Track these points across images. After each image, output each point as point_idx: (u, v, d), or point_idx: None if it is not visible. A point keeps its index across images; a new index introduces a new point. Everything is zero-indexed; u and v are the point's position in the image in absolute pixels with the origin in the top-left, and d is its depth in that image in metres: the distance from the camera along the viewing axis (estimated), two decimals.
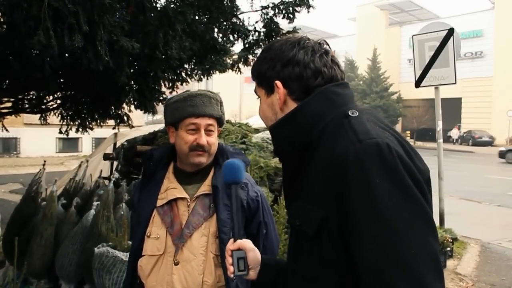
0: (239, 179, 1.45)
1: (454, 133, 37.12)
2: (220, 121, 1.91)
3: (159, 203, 1.85)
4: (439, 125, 6.89)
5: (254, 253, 1.42)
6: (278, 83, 1.23)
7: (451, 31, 6.58)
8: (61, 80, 5.23)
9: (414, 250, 0.94)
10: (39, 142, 20.35)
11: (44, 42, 2.93)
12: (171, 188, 1.86)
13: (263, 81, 1.29)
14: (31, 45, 3.01)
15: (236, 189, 1.42)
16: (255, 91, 1.37)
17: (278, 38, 1.33)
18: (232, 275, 1.36)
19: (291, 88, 1.22)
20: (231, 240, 1.39)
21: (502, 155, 24.38)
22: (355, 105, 1.20)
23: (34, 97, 6.05)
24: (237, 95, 56.85)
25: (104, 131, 7.91)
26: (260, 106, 1.35)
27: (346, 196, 1.00)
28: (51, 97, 6.18)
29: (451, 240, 6.64)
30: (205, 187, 1.86)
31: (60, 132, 6.75)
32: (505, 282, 5.82)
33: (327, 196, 1.05)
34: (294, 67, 1.21)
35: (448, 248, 6.45)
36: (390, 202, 0.96)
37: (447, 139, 35.14)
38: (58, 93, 5.98)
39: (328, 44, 1.29)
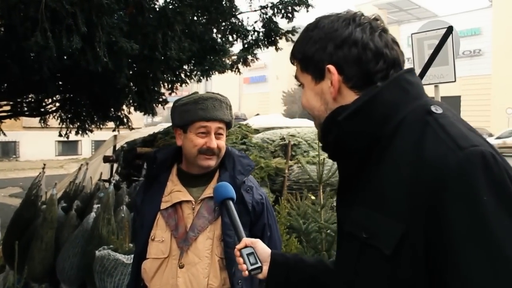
0: (231, 195, 1.55)
1: None
2: (229, 125, 1.90)
3: (163, 206, 1.83)
4: None
5: (260, 245, 1.40)
6: (331, 67, 1.03)
7: (450, 29, 6.52)
8: (60, 82, 5.21)
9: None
10: (39, 146, 20.33)
11: (42, 44, 2.91)
12: (175, 191, 1.85)
13: (310, 65, 1.08)
14: (29, 47, 2.99)
15: (229, 203, 1.53)
16: (296, 77, 1.16)
17: (325, 16, 1.12)
18: (247, 273, 1.33)
19: (346, 74, 1.03)
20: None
21: None
22: (428, 98, 1.03)
23: (33, 100, 6.04)
24: (236, 95, 56.87)
25: (104, 134, 7.89)
26: (304, 94, 1.14)
27: (443, 212, 0.85)
28: (50, 100, 6.16)
29: None
30: (210, 189, 1.83)
31: (60, 135, 6.73)
32: None
33: (412, 208, 0.89)
34: (351, 48, 1.02)
35: None
36: (499, 222, 0.81)
37: None
38: (57, 96, 5.96)
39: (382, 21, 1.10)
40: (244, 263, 1.33)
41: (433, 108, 0.96)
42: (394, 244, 0.90)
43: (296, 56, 1.14)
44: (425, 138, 0.91)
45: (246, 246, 1.37)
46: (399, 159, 0.94)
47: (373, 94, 1.00)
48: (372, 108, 1.00)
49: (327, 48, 1.04)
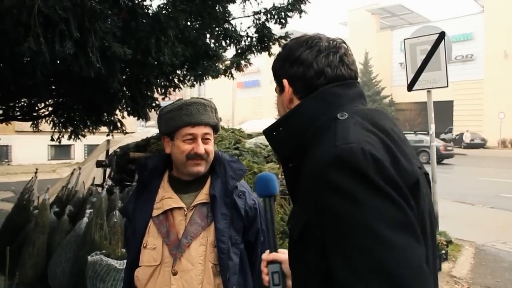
0: (273, 192, 1.43)
1: (467, 137, 36.32)
2: (216, 128, 1.89)
3: (155, 213, 1.82)
4: (432, 129, 6.91)
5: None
6: (285, 81, 1.25)
7: (442, 35, 6.62)
8: (53, 87, 5.20)
9: (387, 260, 0.88)
10: (31, 150, 20.18)
11: (35, 49, 2.90)
12: (166, 197, 1.84)
13: (276, 78, 1.32)
14: (22, 52, 2.98)
15: (270, 202, 1.42)
16: (275, 88, 1.37)
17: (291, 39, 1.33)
18: (267, 285, 1.33)
19: (295, 87, 1.24)
20: (267, 251, 1.38)
21: None
22: (353, 106, 1.17)
23: (25, 104, 6.01)
24: (229, 100, 56.88)
25: (97, 138, 7.87)
26: (277, 101, 1.36)
27: (319, 201, 0.99)
28: (42, 104, 6.14)
29: (445, 243, 6.65)
30: (202, 196, 1.84)
31: (52, 139, 6.71)
32: (500, 284, 5.82)
33: (308, 200, 1.04)
34: (299, 67, 1.22)
35: (443, 251, 6.45)
36: (357, 209, 0.92)
37: (458, 143, 35.03)
38: (50, 100, 5.95)
39: (343, 42, 1.27)
40: (268, 275, 1.34)
41: (339, 115, 1.11)
42: (298, 232, 1.07)
43: (272, 71, 1.35)
44: (323, 141, 1.07)
45: (274, 261, 1.35)
46: (309, 161, 1.09)
47: (295, 107, 1.21)
48: (292, 119, 1.20)
49: (284, 66, 1.26)
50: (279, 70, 1.29)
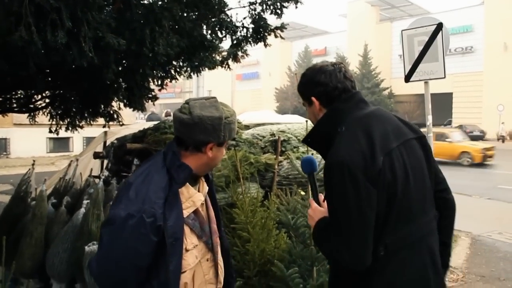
0: (316, 169, 2.12)
1: (503, 130, 35.13)
2: None
3: (185, 213, 1.78)
4: (429, 120, 6.91)
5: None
6: (313, 98, 1.96)
7: (439, 26, 6.60)
8: (49, 78, 5.19)
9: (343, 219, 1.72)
10: (29, 142, 20.15)
11: (26, 38, 2.90)
12: (193, 194, 1.83)
13: (304, 97, 2.03)
14: (13, 42, 2.97)
15: (313, 175, 2.10)
16: (303, 103, 2.09)
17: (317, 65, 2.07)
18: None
19: (321, 101, 1.94)
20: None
21: None
22: (353, 116, 1.84)
23: (22, 96, 6.00)
24: (229, 92, 56.77)
25: (95, 130, 7.85)
26: (307, 112, 2.08)
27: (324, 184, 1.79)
28: (39, 96, 6.13)
29: None
30: (203, 182, 1.99)
31: (50, 131, 6.70)
32: (494, 273, 5.87)
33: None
34: (320, 87, 1.92)
35: None
36: (334, 192, 1.75)
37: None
38: (47, 92, 5.94)
39: (341, 63, 2.00)
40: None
41: (339, 128, 1.82)
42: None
43: (299, 92, 2.08)
44: (331, 149, 1.79)
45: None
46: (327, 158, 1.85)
47: (315, 125, 1.99)
48: (315, 132, 1.99)
49: (310, 88, 1.98)
50: (307, 91, 1.99)
